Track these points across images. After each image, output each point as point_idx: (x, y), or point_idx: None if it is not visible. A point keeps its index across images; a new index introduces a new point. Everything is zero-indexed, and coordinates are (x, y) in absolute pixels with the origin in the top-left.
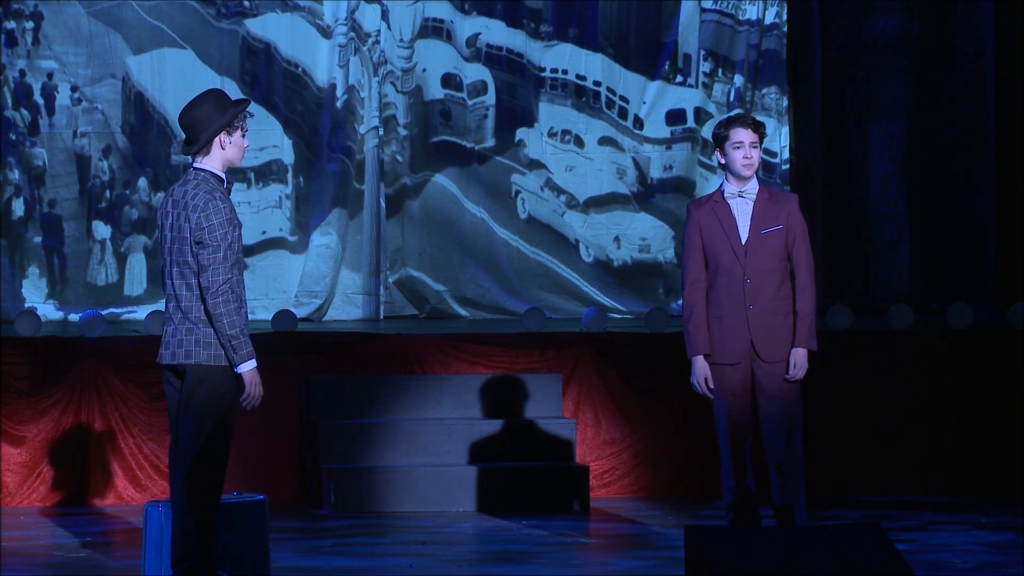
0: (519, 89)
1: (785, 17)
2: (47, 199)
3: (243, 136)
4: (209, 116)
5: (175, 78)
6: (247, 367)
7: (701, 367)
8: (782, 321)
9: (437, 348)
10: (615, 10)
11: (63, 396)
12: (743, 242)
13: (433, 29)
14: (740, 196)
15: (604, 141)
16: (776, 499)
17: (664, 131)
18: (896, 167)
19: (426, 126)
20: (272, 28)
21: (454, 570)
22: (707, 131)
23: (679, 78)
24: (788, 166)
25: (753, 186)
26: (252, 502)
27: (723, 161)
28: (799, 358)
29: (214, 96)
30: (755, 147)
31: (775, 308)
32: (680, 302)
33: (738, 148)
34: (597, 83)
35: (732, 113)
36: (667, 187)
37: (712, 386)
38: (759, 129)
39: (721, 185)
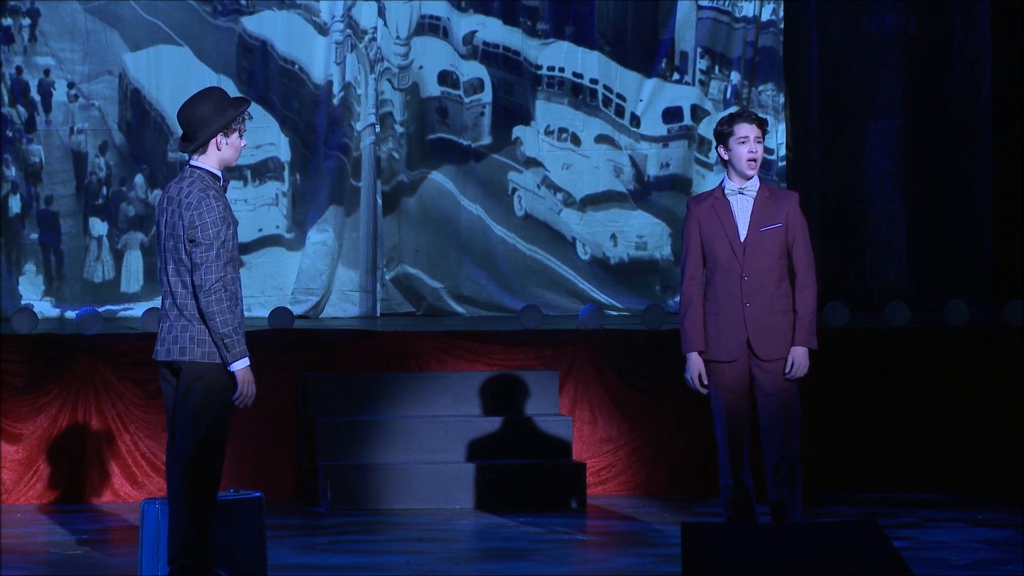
0: (516, 87)
1: (782, 14)
2: (44, 196)
3: (240, 137)
4: (208, 116)
5: (172, 75)
6: (240, 365)
7: (695, 363)
8: (779, 319)
9: (434, 345)
10: (612, 8)
11: (60, 393)
12: (742, 239)
13: (430, 26)
14: (741, 193)
15: (601, 139)
16: (772, 496)
17: (661, 128)
18: (893, 164)
19: (423, 123)
20: (268, 25)
21: (451, 567)
22: (704, 128)
23: (676, 75)
24: (784, 163)
25: (754, 183)
26: (249, 499)
27: (725, 157)
28: (798, 357)
29: (214, 96)
30: (759, 142)
31: (772, 306)
32: (677, 298)
33: (743, 143)
34: (594, 81)
35: (734, 109)
36: (664, 184)
37: (706, 382)
38: (762, 125)
39: (722, 182)
